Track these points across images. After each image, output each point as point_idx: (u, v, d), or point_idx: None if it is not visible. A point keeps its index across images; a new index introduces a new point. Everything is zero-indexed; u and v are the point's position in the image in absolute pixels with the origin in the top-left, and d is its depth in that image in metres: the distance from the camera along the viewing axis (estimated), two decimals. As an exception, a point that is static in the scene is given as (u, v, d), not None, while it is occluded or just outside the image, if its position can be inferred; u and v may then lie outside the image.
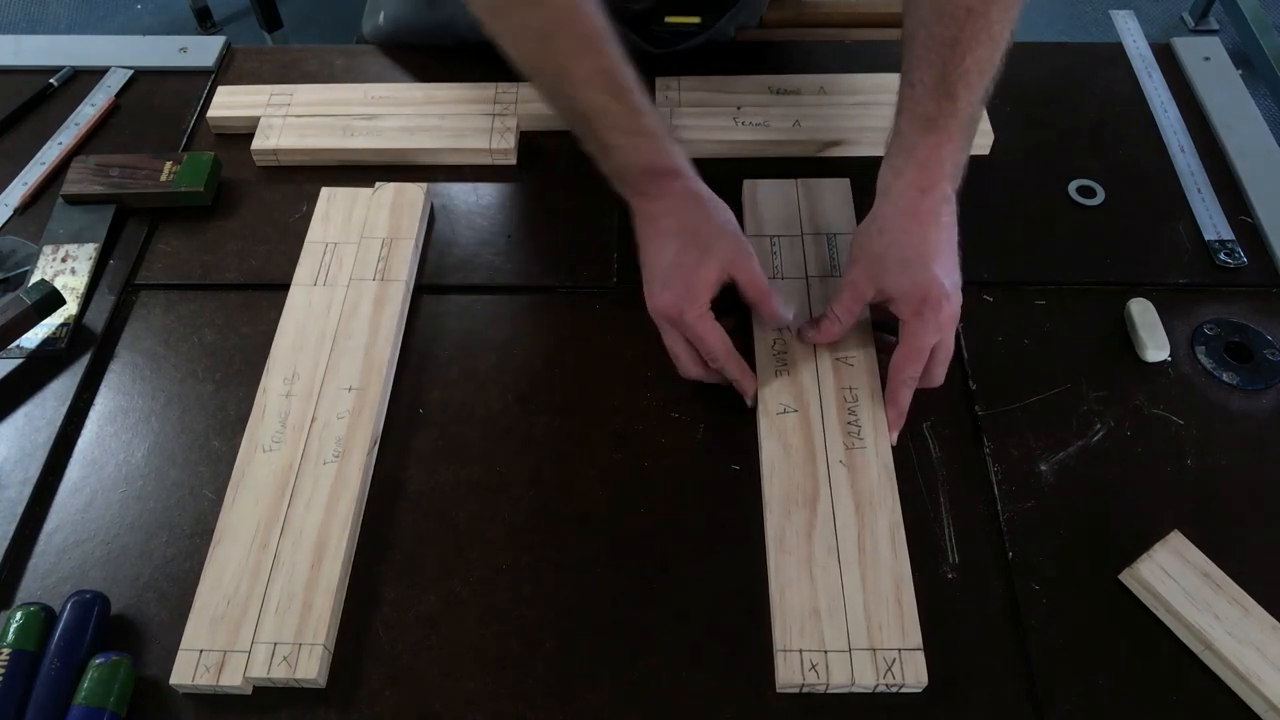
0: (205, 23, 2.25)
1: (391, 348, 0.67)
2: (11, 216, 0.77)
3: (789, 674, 0.53)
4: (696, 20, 0.84)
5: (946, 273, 0.61)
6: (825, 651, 0.54)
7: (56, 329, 0.69)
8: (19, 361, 0.68)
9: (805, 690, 0.54)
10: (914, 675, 0.53)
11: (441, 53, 0.88)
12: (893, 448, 0.62)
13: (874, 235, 0.63)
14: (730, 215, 0.66)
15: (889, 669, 0.53)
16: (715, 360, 0.63)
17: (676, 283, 0.62)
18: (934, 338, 0.61)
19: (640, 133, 0.64)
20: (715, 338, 0.63)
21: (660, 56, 0.86)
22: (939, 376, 0.63)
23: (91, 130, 0.83)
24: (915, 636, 0.54)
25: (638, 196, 0.65)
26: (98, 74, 0.88)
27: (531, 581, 0.58)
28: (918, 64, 0.62)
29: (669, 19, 0.83)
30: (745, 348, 0.67)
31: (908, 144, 0.63)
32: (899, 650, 0.54)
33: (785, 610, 0.55)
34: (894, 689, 0.53)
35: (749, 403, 0.64)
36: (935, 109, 0.61)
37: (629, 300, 0.71)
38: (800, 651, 0.54)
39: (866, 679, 0.53)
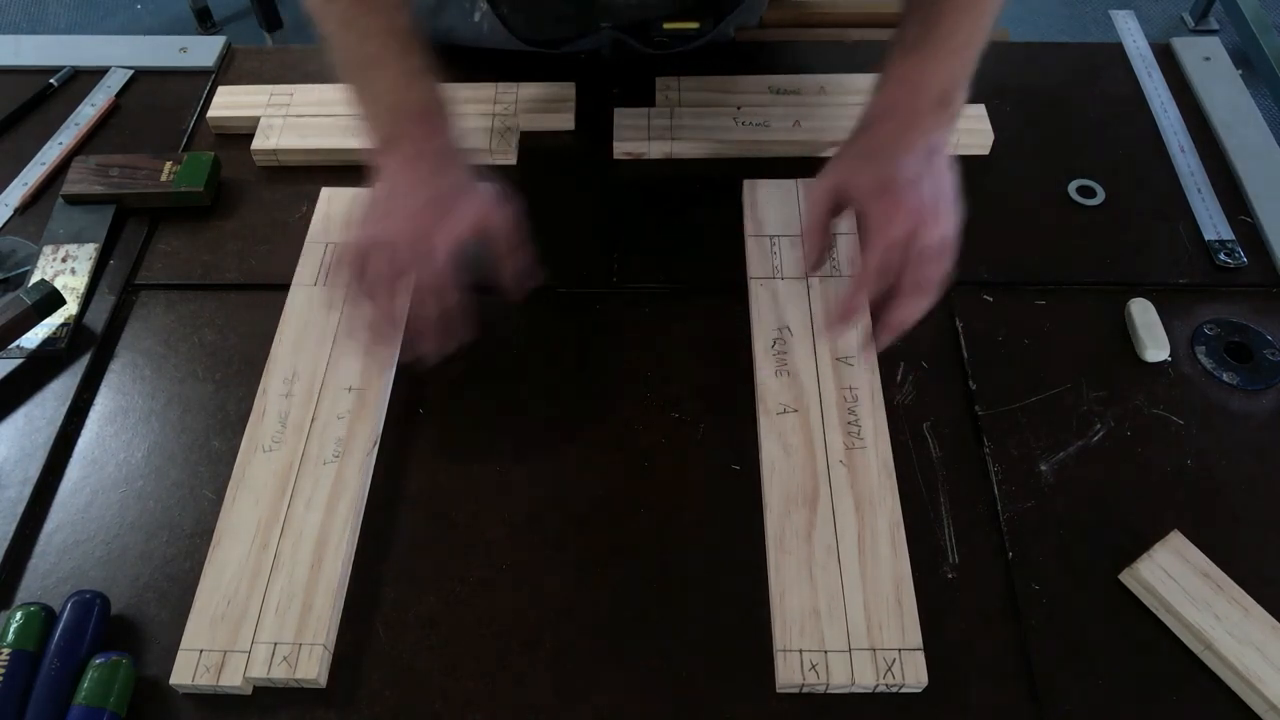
0: (205, 23, 2.25)
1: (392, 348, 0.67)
2: (11, 216, 0.77)
3: (789, 674, 0.53)
4: (695, 25, 0.84)
5: (915, 166, 0.61)
6: (825, 651, 0.54)
7: (56, 329, 0.69)
8: (19, 361, 0.68)
9: (805, 690, 0.54)
10: (914, 675, 0.53)
11: (441, 53, 0.88)
12: (892, 447, 0.62)
13: (842, 146, 0.65)
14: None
15: (889, 669, 0.53)
16: (446, 300, 0.62)
17: (435, 211, 0.61)
18: (900, 228, 0.59)
19: (418, 76, 0.64)
20: (452, 277, 0.61)
21: (660, 58, 0.86)
22: (930, 286, 0.60)
23: (91, 130, 0.83)
24: (915, 636, 0.54)
25: (401, 137, 0.63)
26: (98, 74, 0.88)
27: (531, 581, 0.58)
28: (907, 2, 0.65)
29: (667, 25, 0.83)
30: (744, 346, 0.67)
31: (888, 65, 0.65)
32: (899, 650, 0.54)
33: (785, 610, 0.55)
34: (894, 689, 0.53)
35: (433, 357, 0.64)
36: (917, 33, 0.63)
37: (629, 300, 0.71)
38: (800, 651, 0.54)
39: (866, 679, 0.53)
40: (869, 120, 0.65)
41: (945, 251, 0.61)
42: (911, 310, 0.60)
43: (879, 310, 0.62)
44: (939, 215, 0.60)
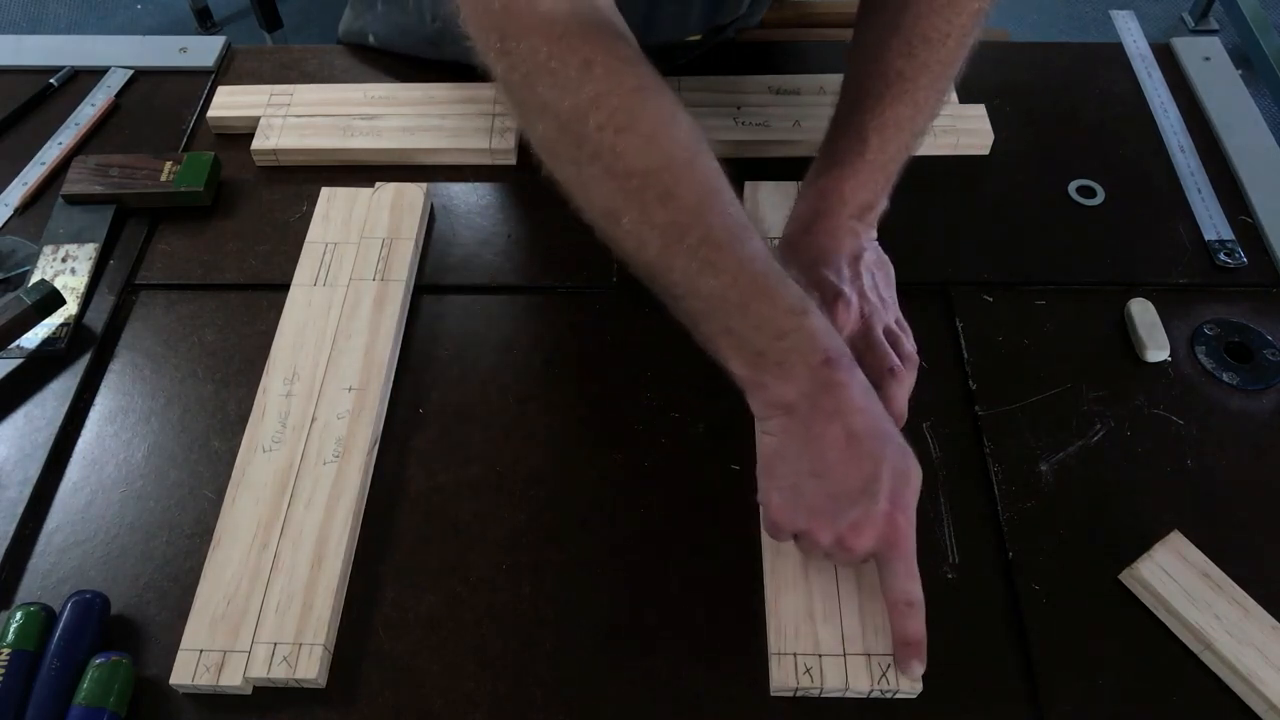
0: (205, 23, 2.25)
1: (391, 348, 0.67)
2: (11, 216, 0.77)
3: (783, 678, 0.53)
4: (698, 37, 0.84)
5: (846, 264, 0.62)
6: (820, 655, 0.54)
7: (56, 329, 0.69)
8: (19, 361, 0.68)
9: (799, 695, 0.54)
10: (908, 681, 0.53)
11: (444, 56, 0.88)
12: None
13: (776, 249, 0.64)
14: None
15: (883, 674, 0.53)
16: (918, 608, 0.53)
17: (899, 500, 0.52)
18: (854, 328, 0.61)
19: (808, 312, 0.53)
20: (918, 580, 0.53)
21: (659, 62, 0.86)
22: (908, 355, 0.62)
23: (91, 130, 0.83)
24: None
25: (820, 390, 0.53)
26: (98, 74, 0.88)
27: (531, 581, 0.58)
28: (843, 103, 0.66)
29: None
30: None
31: (814, 173, 0.66)
32: (894, 656, 0.54)
33: (780, 613, 0.55)
34: (889, 694, 0.53)
35: (914, 678, 0.53)
36: (844, 147, 0.64)
37: (629, 300, 0.71)
38: (795, 655, 0.54)
39: (861, 684, 0.53)
40: (793, 231, 0.66)
41: (903, 329, 0.63)
42: (907, 383, 0.60)
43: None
44: (886, 303, 0.64)
